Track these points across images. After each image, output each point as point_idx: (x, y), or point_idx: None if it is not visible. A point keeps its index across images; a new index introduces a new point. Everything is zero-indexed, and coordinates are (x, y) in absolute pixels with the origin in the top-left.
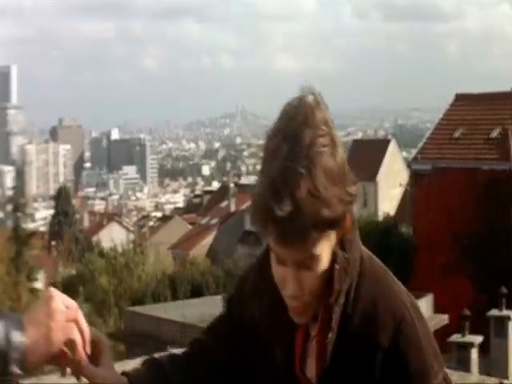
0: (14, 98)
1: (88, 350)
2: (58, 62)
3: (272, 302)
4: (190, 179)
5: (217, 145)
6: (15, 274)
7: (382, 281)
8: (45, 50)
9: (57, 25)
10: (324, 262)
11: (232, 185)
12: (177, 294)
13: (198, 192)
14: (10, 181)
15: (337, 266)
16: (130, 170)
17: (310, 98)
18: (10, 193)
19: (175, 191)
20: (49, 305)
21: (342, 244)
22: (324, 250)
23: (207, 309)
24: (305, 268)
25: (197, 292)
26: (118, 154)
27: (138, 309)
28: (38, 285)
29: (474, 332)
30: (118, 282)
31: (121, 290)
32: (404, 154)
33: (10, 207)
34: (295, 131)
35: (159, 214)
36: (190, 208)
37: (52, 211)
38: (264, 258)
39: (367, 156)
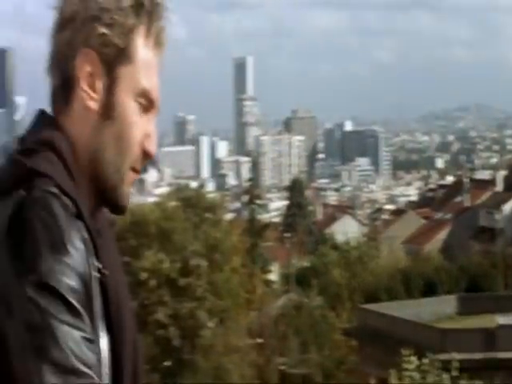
0: (250, 90)
1: None
2: (292, 53)
3: None
4: (423, 172)
5: (450, 138)
6: (250, 265)
7: None
8: (279, 42)
9: (291, 16)
10: None
11: (466, 179)
12: (410, 290)
13: (431, 186)
14: (245, 171)
15: None
16: (363, 162)
17: None
18: (246, 184)
19: (408, 184)
20: None
21: None
22: None
23: (441, 308)
24: None
25: (430, 288)
26: (351, 145)
27: (371, 306)
28: (272, 276)
29: None
30: (351, 276)
31: (354, 283)
32: None
33: (245, 198)
34: None
35: (392, 207)
36: (424, 202)
37: (285, 202)
38: None
39: None
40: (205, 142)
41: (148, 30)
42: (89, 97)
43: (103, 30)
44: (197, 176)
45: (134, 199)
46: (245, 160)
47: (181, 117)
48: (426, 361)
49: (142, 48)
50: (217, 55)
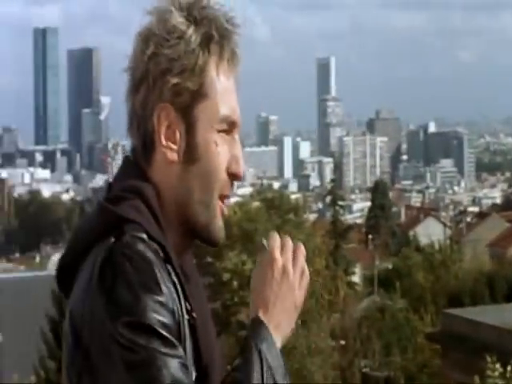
0: (333, 90)
1: None
2: (374, 54)
3: None
4: (507, 174)
5: None
6: (333, 267)
7: None
8: (361, 43)
9: (372, 16)
10: None
11: None
12: (494, 294)
13: None
14: (328, 172)
15: None
16: (447, 164)
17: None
18: (329, 184)
19: (493, 186)
20: None
21: None
22: None
23: None
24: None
25: None
26: (434, 146)
27: (455, 311)
28: (355, 278)
29: None
30: (434, 279)
31: (437, 287)
32: None
33: (328, 199)
34: None
35: (476, 209)
36: (508, 204)
37: (368, 203)
38: None
39: None
40: (288, 142)
41: (220, 57)
42: (169, 150)
43: (175, 80)
44: (279, 176)
45: None
46: (328, 161)
47: (264, 117)
48: (510, 368)
49: (215, 79)
50: (299, 55)
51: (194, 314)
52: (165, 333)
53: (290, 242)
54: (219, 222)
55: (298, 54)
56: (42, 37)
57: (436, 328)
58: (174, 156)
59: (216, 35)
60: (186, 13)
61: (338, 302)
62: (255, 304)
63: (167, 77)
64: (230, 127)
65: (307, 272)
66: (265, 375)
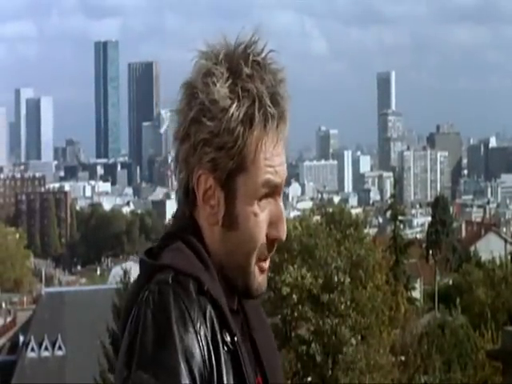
0: (394, 105)
1: None
2: (434, 68)
3: None
4: None
5: None
6: (394, 282)
7: None
8: (420, 57)
9: (431, 31)
10: None
11: None
12: None
13: None
14: (389, 186)
15: None
16: (508, 179)
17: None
18: (389, 199)
19: None
20: None
21: None
22: None
23: None
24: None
25: None
26: (495, 161)
27: None
28: (416, 294)
29: None
30: (495, 295)
31: (498, 303)
32: None
33: (389, 213)
34: None
35: None
36: None
37: (429, 218)
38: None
39: None
40: (348, 156)
41: (264, 130)
42: (208, 213)
43: (213, 154)
44: (340, 190)
45: None
46: (388, 175)
47: (324, 131)
48: None
49: (256, 153)
50: (358, 69)
51: (236, 338)
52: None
53: None
54: (258, 283)
55: (358, 68)
56: (102, 50)
57: (496, 345)
58: (211, 219)
59: (260, 116)
60: (229, 83)
61: (399, 318)
62: None
63: (206, 148)
64: (271, 190)
65: None
66: None
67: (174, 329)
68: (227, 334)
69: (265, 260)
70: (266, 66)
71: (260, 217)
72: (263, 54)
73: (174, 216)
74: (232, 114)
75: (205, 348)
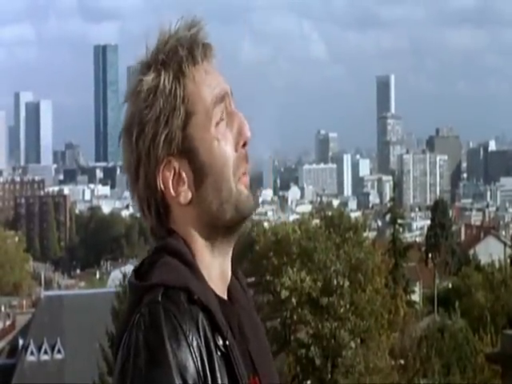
0: (393, 108)
1: None
2: (433, 71)
3: None
4: None
5: None
6: (393, 286)
7: None
8: (419, 61)
9: (430, 35)
10: None
11: None
12: None
13: None
14: (388, 190)
15: None
16: (507, 182)
17: None
18: (388, 202)
19: None
20: None
21: None
22: None
23: None
24: None
25: None
26: (494, 165)
27: None
28: (415, 297)
29: None
30: (494, 299)
31: (497, 306)
32: None
33: (388, 217)
34: None
35: None
36: None
37: (428, 222)
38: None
39: None
40: (347, 159)
41: (194, 66)
42: (183, 194)
43: (164, 134)
44: (339, 194)
45: (276, 217)
46: (387, 178)
47: (323, 134)
48: None
49: (196, 89)
50: (357, 73)
51: (227, 342)
52: None
53: None
54: (246, 197)
55: (357, 71)
56: (102, 54)
57: (496, 348)
58: (187, 194)
59: (184, 55)
60: (152, 64)
61: (398, 321)
62: None
63: (156, 140)
64: (222, 102)
65: None
66: None
67: (167, 346)
68: (219, 338)
69: (244, 174)
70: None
71: (223, 139)
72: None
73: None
74: (164, 80)
75: (198, 359)
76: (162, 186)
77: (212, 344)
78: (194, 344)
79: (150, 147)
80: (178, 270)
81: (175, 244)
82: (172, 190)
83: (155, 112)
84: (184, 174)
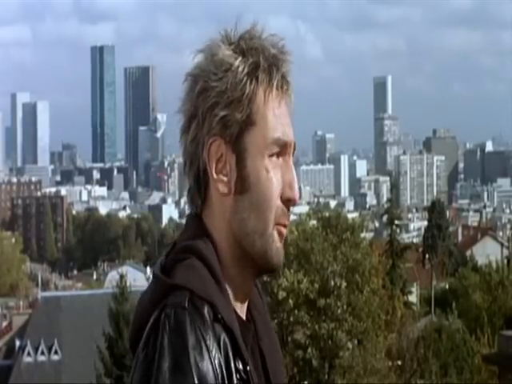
0: (390, 109)
1: None
2: (429, 72)
3: None
4: None
5: None
6: (390, 287)
7: None
8: (416, 62)
9: (426, 36)
10: None
11: None
12: None
13: None
14: (385, 191)
15: None
16: (505, 183)
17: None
18: (385, 203)
19: None
20: None
21: None
22: None
23: None
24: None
25: None
26: (492, 166)
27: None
28: (412, 298)
29: None
30: (491, 300)
31: (494, 307)
32: None
33: (385, 218)
34: None
35: None
36: None
37: (425, 223)
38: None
39: None
40: (344, 160)
41: (269, 84)
42: (222, 184)
43: (223, 112)
44: (336, 195)
45: None
46: (384, 179)
47: (320, 135)
48: None
49: (264, 106)
50: (354, 74)
51: (248, 368)
52: None
53: None
54: (276, 248)
55: (354, 72)
56: (99, 55)
57: (493, 349)
58: (225, 189)
59: (263, 64)
60: (234, 46)
61: (395, 322)
62: None
63: (215, 110)
64: (281, 149)
65: None
66: None
67: (191, 356)
68: (240, 362)
69: (284, 226)
70: (266, 38)
71: (272, 172)
72: (262, 34)
73: (186, 222)
74: (238, 67)
75: (219, 376)
76: (207, 156)
77: (232, 366)
78: (216, 361)
79: (209, 109)
80: (205, 280)
81: (204, 249)
82: (214, 170)
83: (222, 85)
84: (228, 168)
